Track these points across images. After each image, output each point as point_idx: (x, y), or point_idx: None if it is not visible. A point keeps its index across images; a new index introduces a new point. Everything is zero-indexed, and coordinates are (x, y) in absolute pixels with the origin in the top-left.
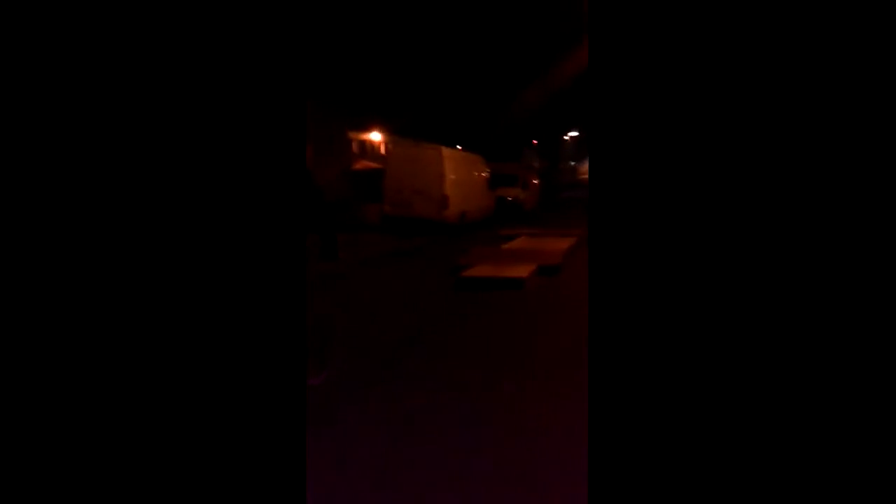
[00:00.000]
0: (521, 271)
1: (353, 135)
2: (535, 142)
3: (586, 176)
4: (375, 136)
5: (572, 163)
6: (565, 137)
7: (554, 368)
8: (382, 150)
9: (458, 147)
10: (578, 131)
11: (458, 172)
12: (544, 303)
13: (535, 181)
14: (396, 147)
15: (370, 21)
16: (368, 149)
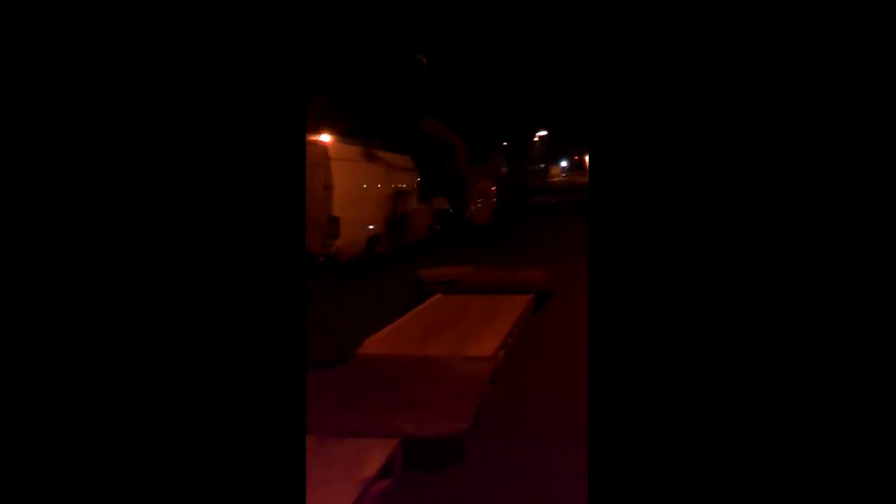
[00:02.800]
0: (344, 488)
1: None
2: (504, 143)
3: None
4: (325, 138)
5: (542, 164)
6: (535, 138)
7: None
8: (330, 153)
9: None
10: (548, 130)
11: (358, 180)
12: None
13: (492, 188)
14: None
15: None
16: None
